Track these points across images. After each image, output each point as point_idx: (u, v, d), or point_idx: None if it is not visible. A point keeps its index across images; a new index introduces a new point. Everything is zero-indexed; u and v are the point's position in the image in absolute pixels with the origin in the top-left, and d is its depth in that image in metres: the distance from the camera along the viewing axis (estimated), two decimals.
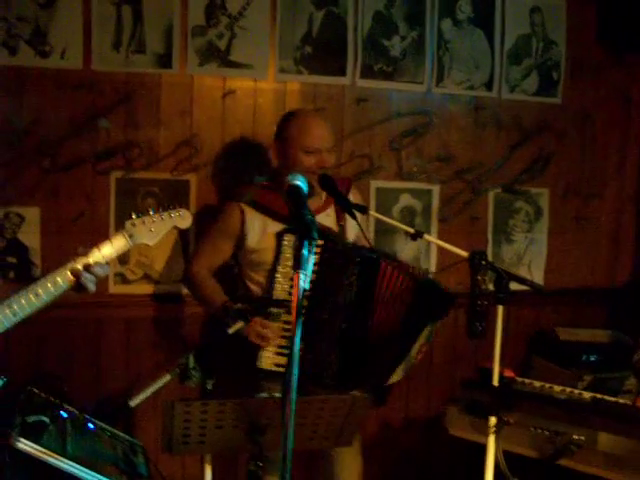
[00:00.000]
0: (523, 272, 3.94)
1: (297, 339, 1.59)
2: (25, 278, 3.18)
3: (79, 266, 2.15)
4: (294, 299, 1.60)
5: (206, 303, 3.01)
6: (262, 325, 2.77)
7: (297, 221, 1.69)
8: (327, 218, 3.00)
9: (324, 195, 2.99)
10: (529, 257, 4.01)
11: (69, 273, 2.14)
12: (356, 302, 2.81)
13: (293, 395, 1.61)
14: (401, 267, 2.89)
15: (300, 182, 1.87)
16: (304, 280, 1.60)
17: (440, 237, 3.73)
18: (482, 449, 2.69)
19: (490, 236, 3.91)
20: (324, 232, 2.85)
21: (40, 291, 2.12)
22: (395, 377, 2.91)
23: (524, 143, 3.91)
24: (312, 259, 1.61)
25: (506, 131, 3.89)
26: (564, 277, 4.09)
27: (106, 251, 2.23)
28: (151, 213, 2.30)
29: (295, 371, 1.61)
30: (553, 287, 4.00)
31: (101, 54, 3.24)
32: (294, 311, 1.60)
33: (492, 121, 3.86)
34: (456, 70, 3.78)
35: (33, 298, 2.11)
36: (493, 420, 2.59)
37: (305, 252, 1.61)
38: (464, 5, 3.78)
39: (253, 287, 2.96)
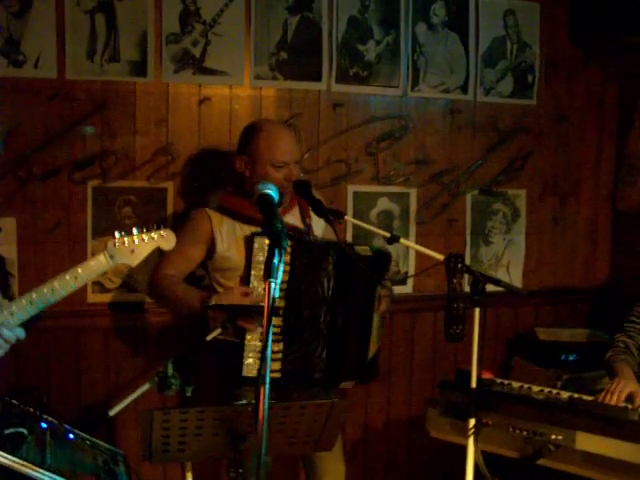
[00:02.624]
0: (502, 273, 3.97)
1: (269, 346, 1.60)
2: (2, 289, 3.16)
3: None
4: (265, 307, 1.61)
5: (181, 303, 2.92)
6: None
7: (268, 230, 1.70)
8: (293, 217, 3.01)
9: (289, 197, 3.00)
10: (507, 258, 4.03)
11: None
12: (336, 294, 2.83)
13: (266, 402, 1.61)
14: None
15: (271, 191, 1.88)
16: (274, 288, 1.61)
17: (418, 240, 3.76)
18: (463, 450, 2.70)
19: (468, 238, 3.94)
20: (293, 231, 2.87)
21: None
22: (373, 347, 2.93)
23: (500, 145, 3.94)
24: (282, 267, 1.62)
25: (482, 133, 3.92)
26: (543, 277, 4.13)
27: (87, 270, 2.20)
28: (134, 232, 2.27)
29: (268, 379, 1.62)
30: (532, 287, 4.03)
31: (75, 63, 3.23)
32: (265, 319, 1.61)
33: (468, 124, 3.88)
34: (431, 74, 3.80)
35: None
36: (471, 422, 2.60)
37: (275, 261, 1.62)
38: (438, 9, 3.81)
39: None
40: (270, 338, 1.62)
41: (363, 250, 2.94)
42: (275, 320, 2.72)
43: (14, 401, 2.81)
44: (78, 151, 3.27)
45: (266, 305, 1.60)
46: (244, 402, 2.75)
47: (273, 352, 2.77)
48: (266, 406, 1.63)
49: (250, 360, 2.80)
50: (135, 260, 2.27)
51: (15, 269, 3.23)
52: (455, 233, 3.90)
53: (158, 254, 3.04)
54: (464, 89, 3.87)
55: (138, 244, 2.26)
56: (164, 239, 2.32)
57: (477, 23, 3.87)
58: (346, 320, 2.87)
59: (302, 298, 2.81)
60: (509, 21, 3.94)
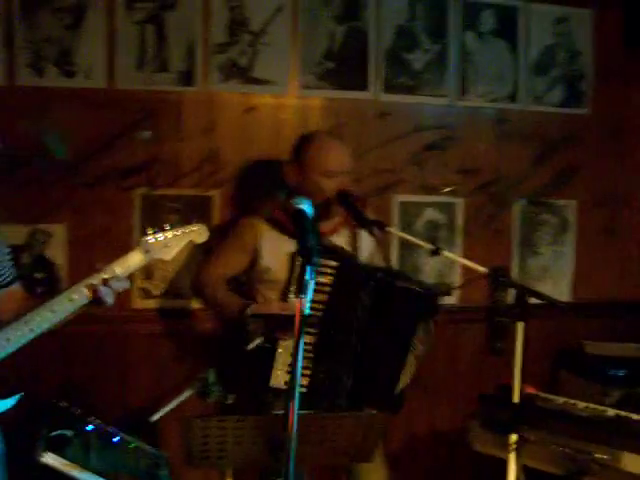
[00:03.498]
0: (549, 285, 3.89)
1: (299, 362, 1.60)
2: (52, 293, 3.23)
3: (95, 281, 2.16)
4: (296, 324, 1.62)
5: (220, 307, 2.99)
6: None
7: (300, 246, 1.71)
8: (341, 239, 3.01)
9: (340, 215, 3.00)
10: (555, 270, 3.96)
11: (85, 289, 2.16)
12: (370, 321, 2.82)
13: (295, 417, 1.62)
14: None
15: (305, 206, 1.88)
16: (305, 305, 1.62)
17: (464, 250, 3.73)
18: (505, 464, 2.67)
19: (515, 249, 3.88)
20: (338, 252, 2.87)
21: (56, 308, 2.15)
22: (401, 384, 2.91)
23: (549, 155, 3.87)
24: (312, 284, 1.63)
25: (531, 143, 3.86)
26: (592, 290, 4.04)
27: (123, 266, 2.24)
28: (167, 228, 2.31)
29: (297, 393, 1.62)
30: (581, 300, 3.95)
31: (125, 73, 3.31)
32: (296, 336, 1.61)
33: (516, 133, 3.83)
34: (479, 83, 3.77)
35: (49, 315, 2.14)
36: (513, 437, 2.57)
37: (307, 277, 1.62)
38: (487, 17, 3.77)
39: None
40: (301, 353, 1.62)
41: (411, 285, 2.91)
42: (308, 337, 2.73)
43: (61, 403, 2.88)
44: (126, 159, 3.34)
45: (297, 321, 1.61)
46: (282, 412, 2.76)
47: (302, 367, 2.77)
48: (296, 418, 1.63)
49: (279, 372, 2.80)
50: (169, 254, 2.29)
51: (65, 273, 3.31)
52: (502, 244, 3.85)
53: (197, 256, 3.12)
54: (513, 98, 3.82)
55: (171, 239, 2.29)
56: (197, 233, 2.34)
57: (527, 31, 3.82)
58: (378, 352, 2.85)
59: (336, 321, 2.80)
60: (560, 28, 3.88)
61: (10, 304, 2.31)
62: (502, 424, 2.68)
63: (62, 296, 2.17)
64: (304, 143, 2.98)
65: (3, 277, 2.33)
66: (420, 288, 2.89)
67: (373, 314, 2.81)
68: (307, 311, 1.61)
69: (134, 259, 2.25)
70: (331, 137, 3.09)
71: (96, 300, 2.18)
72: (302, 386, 2.76)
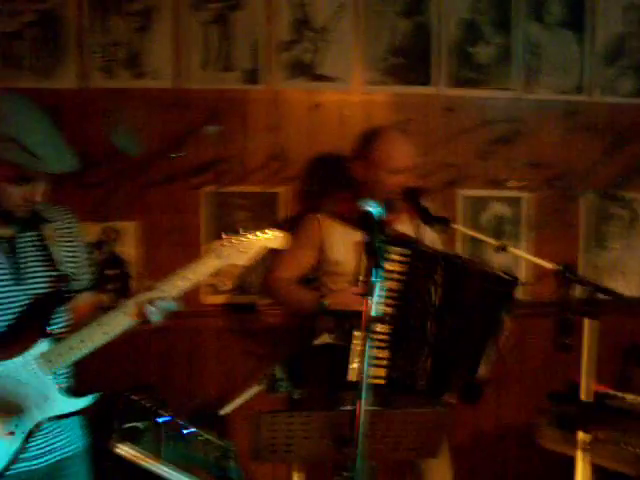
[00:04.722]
0: (619, 279, 3.82)
1: (366, 360, 1.62)
2: (123, 289, 3.33)
3: (142, 300, 2.13)
4: (362, 324, 1.63)
5: (294, 306, 3.05)
6: None
7: (367, 249, 1.72)
8: (404, 225, 3.01)
9: (404, 207, 3.00)
10: (625, 264, 3.87)
11: (133, 306, 2.13)
12: (444, 305, 2.82)
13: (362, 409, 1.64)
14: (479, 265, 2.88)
15: (371, 208, 1.90)
16: (373, 307, 1.63)
17: (531, 245, 3.68)
18: (573, 463, 2.64)
19: (583, 243, 3.81)
20: (405, 239, 2.87)
21: (107, 327, 2.12)
22: (481, 370, 2.89)
23: (619, 147, 3.78)
24: (379, 286, 1.64)
25: (600, 135, 3.77)
26: None
27: (197, 272, 2.24)
28: (242, 233, 2.30)
29: (365, 387, 1.64)
30: None
31: (190, 73, 3.37)
32: (363, 338, 1.63)
33: (585, 125, 3.75)
34: (546, 75, 3.70)
35: (100, 332, 2.12)
36: (582, 435, 2.54)
37: (373, 279, 1.64)
38: (552, 7, 3.71)
39: None
40: (367, 354, 1.64)
41: (481, 266, 2.89)
42: (382, 327, 2.74)
43: (133, 397, 2.96)
44: (194, 158, 3.40)
45: (363, 322, 1.63)
46: (350, 407, 2.78)
47: (379, 359, 2.78)
48: (362, 414, 1.65)
49: (355, 365, 2.82)
50: (244, 260, 2.24)
51: (135, 271, 3.40)
52: (570, 238, 3.78)
53: (269, 256, 3.16)
54: (581, 89, 3.75)
55: (246, 244, 2.24)
56: (272, 239, 2.27)
57: (594, 20, 3.73)
58: (454, 333, 2.84)
59: (410, 306, 2.80)
60: (630, 16, 3.78)
61: (83, 310, 2.31)
62: (571, 422, 2.66)
63: (113, 313, 2.13)
64: (370, 139, 2.99)
65: (80, 283, 2.30)
66: (497, 271, 2.87)
67: (449, 297, 2.81)
68: (374, 313, 1.62)
69: (208, 264, 2.21)
70: (397, 133, 3.10)
71: (143, 320, 2.14)
72: (380, 377, 2.79)
